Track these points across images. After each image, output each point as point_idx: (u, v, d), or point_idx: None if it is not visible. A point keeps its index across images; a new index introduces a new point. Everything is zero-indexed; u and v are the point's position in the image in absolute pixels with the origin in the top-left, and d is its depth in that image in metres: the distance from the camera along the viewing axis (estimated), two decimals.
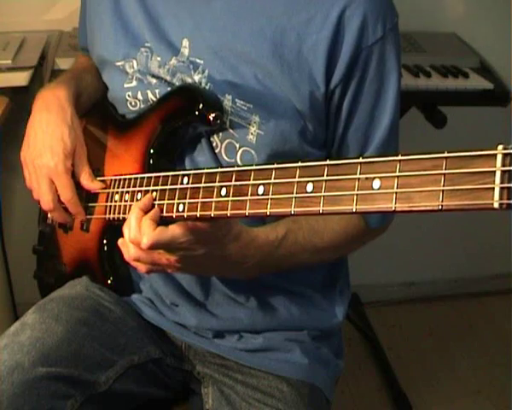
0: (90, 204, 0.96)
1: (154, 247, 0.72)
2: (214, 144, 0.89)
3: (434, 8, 1.82)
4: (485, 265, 2.17)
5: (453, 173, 0.50)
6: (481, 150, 0.48)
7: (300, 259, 0.90)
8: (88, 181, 0.94)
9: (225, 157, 0.88)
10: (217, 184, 0.70)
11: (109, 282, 0.96)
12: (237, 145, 0.87)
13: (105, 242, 0.95)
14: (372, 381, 1.88)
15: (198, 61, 0.88)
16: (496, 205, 0.47)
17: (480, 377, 1.91)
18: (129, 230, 0.75)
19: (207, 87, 0.87)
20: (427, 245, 2.00)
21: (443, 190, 0.50)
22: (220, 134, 0.88)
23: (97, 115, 1.03)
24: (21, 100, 1.26)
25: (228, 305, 0.94)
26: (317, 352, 1.00)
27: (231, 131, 0.87)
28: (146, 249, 0.73)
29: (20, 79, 1.31)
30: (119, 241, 0.79)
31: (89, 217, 0.97)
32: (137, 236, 0.74)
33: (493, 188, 0.47)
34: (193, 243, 0.74)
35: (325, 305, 1.01)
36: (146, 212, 0.76)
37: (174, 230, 0.72)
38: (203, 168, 0.73)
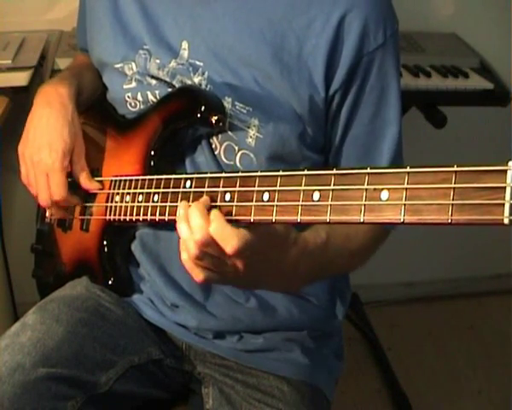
0: (89, 204, 0.96)
1: (240, 250, 0.65)
2: (213, 146, 0.88)
3: (434, 8, 1.82)
4: (485, 265, 2.16)
5: (463, 188, 0.49)
6: (491, 166, 0.48)
7: (336, 265, 0.87)
8: (85, 180, 0.94)
9: (224, 159, 0.88)
10: (221, 189, 0.70)
11: (110, 282, 0.96)
12: (236, 148, 0.87)
13: (105, 242, 0.95)
14: (372, 381, 1.88)
15: (197, 63, 0.88)
16: (506, 221, 0.47)
17: (480, 377, 1.91)
18: (193, 230, 0.66)
19: (207, 89, 0.87)
20: (427, 245, 1.99)
21: (452, 204, 0.50)
22: (220, 136, 0.87)
23: (97, 115, 1.03)
24: (21, 100, 1.26)
25: (228, 305, 0.94)
26: (318, 352, 1.00)
27: (230, 133, 0.87)
28: (215, 250, 0.66)
29: (20, 79, 1.31)
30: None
31: (88, 217, 0.97)
32: (206, 235, 0.65)
33: (503, 204, 0.47)
34: (264, 246, 0.68)
35: (325, 305, 1.01)
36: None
37: (247, 233, 0.65)
38: (206, 172, 0.73)
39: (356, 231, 0.87)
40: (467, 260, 2.14)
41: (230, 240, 0.64)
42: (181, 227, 0.68)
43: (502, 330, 2.05)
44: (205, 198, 0.71)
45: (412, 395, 1.80)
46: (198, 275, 0.70)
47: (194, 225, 0.66)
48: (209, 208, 0.69)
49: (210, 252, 0.66)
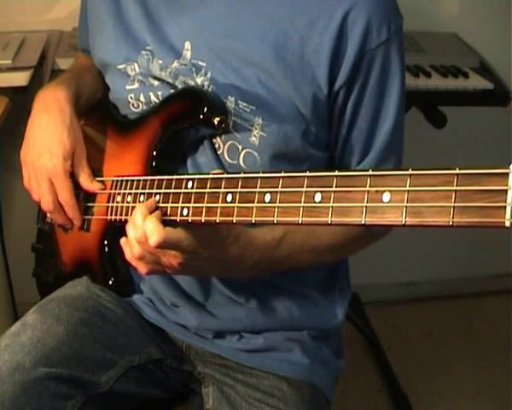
0: (90, 204, 0.96)
1: (162, 245, 0.72)
2: (217, 145, 0.89)
3: (434, 8, 1.82)
4: (485, 265, 2.17)
5: (464, 190, 0.49)
6: (493, 168, 0.48)
7: (298, 260, 0.89)
8: (87, 182, 0.95)
9: (228, 158, 0.88)
10: (222, 189, 0.70)
11: (110, 282, 0.96)
12: (240, 147, 0.87)
13: (106, 242, 0.95)
14: (372, 381, 1.88)
15: (200, 63, 0.88)
16: (507, 224, 0.46)
17: (480, 377, 1.91)
18: (134, 228, 0.74)
19: (210, 89, 0.87)
20: (427, 245, 2.00)
21: (454, 207, 0.50)
22: (223, 136, 0.87)
23: (98, 115, 1.03)
24: (21, 100, 1.26)
25: (228, 305, 0.94)
26: (318, 352, 1.00)
27: (234, 132, 0.87)
28: (152, 248, 0.73)
29: (20, 78, 1.30)
30: (122, 240, 0.78)
31: (89, 217, 0.97)
32: (143, 234, 0.73)
33: (505, 207, 0.47)
34: (197, 246, 0.74)
35: (325, 305, 1.01)
36: (150, 213, 0.75)
37: (181, 232, 0.73)
38: (208, 173, 0.73)
39: (322, 229, 0.89)
40: (467, 260, 2.15)
41: (152, 234, 0.71)
42: (128, 228, 0.76)
43: (502, 330, 2.05)
44: (151, 200, 0.79)
45: (412, 395, 1.80)
46: (142, 269, 0.79)
47: (135, 225, 0.74)
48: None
49: (147, 249, 0.74)
